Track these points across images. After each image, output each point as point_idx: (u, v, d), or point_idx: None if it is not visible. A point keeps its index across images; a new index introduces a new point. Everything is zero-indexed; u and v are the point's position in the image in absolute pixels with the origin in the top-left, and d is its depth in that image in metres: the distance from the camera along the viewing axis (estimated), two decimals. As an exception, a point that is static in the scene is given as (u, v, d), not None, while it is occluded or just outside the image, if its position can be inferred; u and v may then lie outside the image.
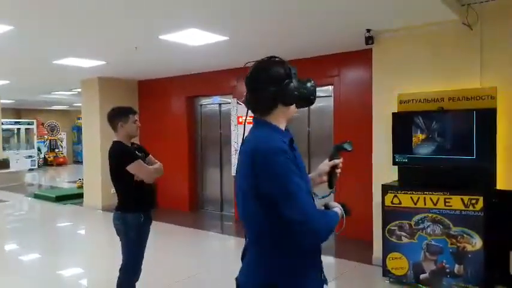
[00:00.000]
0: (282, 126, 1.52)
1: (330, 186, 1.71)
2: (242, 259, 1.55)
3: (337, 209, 1.55)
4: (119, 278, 3.08)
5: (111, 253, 5.37)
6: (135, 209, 3.04)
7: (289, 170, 1.36)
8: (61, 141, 18.39)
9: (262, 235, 1.44)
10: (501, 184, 3.68)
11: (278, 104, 1.48)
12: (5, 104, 14.27)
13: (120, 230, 3.05)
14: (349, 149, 1.72)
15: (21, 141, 16.01)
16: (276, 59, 1.53)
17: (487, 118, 3.60)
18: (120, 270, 3.08)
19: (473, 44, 3.83)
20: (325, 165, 1.70)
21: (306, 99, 1.53)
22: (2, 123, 12.94)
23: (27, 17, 3.86)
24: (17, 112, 17.44)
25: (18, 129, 16.09)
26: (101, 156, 7.65)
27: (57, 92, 10.98)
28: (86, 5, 3.51)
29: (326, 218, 1.45)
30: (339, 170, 1.69)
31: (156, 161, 3.27)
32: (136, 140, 9.05)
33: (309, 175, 1.68)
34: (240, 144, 1.59)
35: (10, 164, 12.64)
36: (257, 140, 1.45)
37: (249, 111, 1.57)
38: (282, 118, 1.51)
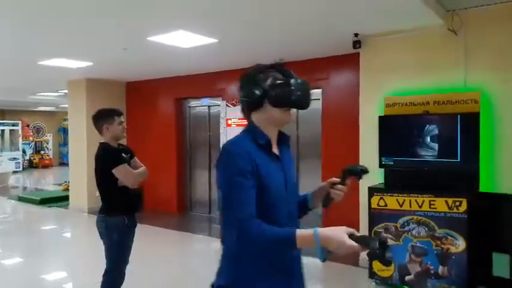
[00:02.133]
0: (266, 129, 1.54)
1: (323, 205, 1.61)
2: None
3: (305, 231, 1.32)
4: (102, 282, 3.04)
5: (96, 257, 5.29)
6: (119, 212, 3.01)
7: (233, 170, 1.39)
8: (47, 143, 18.12)
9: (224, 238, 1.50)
10: (484, 187, 3.75)
11: (260, 105, 1.52)
12: (-11, 105, 14.03)
13: (103, 233, 3.01)
14: (361, 173, 1.56)
15: (5, 142, 15.74)
16: (255, 65, 1.58)
17: (471, 122, 3.67)
18: (104, 274, 3.04)
19: (458, 48, 3.91)
20: (326, 182, 1.63)
21: (274, 101, 1.49)
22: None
23: (8, 15, 3.80)
24: (1, 113, 17.14)
25: (3, 130, 15.81)
26: (87, 158, 7.57)
27: (43, 93, 10.83)
28: (72, 5, 3.48)
29: (262, 229, 1.35)
30: (339, 192, 1.57)
31: (141, 164, 3.25)
32: (124, 142, 8.98)
33: (312, 191, 1.68)
34: None
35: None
36: (228, 140, 1.53)
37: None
38: (262, 121, 1.53)
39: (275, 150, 1.57)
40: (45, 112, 18.01)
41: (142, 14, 3.73)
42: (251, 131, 1.53)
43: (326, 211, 1.56)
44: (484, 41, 3.82)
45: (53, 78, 7.58)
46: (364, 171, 1.58)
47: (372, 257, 1.27)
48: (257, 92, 1.49)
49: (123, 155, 3.11)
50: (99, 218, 3.03)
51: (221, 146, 1.57)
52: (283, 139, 1.63)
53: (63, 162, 17.45)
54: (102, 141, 3.11)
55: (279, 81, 1.49)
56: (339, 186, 1.58)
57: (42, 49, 5.27)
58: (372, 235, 3.94)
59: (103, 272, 3.04)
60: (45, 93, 10.85)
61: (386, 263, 1.27)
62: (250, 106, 1.54)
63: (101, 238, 3.05)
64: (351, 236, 1.28)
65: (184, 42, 4.72)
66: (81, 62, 6.04)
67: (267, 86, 1.50)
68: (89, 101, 7.73)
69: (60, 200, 8.90)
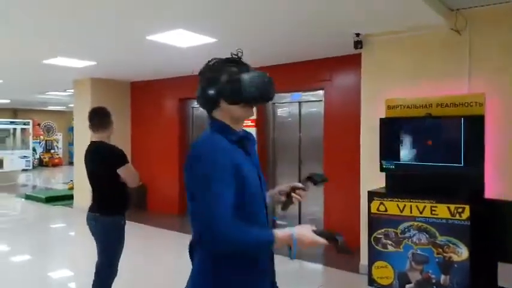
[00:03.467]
0: (232, 125, 1.48)
1: (283, 207, 1.64)
2: (190, 256, 1.52)
3: (283, 231, 1.37)
4: (94, 281, 3.03)
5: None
6: (119, 211, 3.01)
7: (209, 169, 1.33)
8: (57, 142, 18.33)
9: (200, 238, 1.39)
10: (489, 193, 3.60)
11: (217, 103, 1.46)
12: (1, 104, 14.22)
13: (100, 232, 2.98)
14: (318, 180, 1.65)
15: (16, 141, 15.94)
16: (209, 61, 1.52)
17: (475, 125, 3.53)
18: (100, 272, 3.03)
19: (462, 49, 3.77)
20: (287, 186, 1.66)
21: (229, 97, 1.43)
22: (-3, 123, 12.90)
23: (11, 15, 3.80)
24: (13, 112, 17.39)
25: (14, 129, 16.02)
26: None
27: (52, 92, 10.93)
28: (72, 4, 3.45)
29: (240, 230, 1.33)
30: (297, 197, 1.61)
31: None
32: (128, 140, 8.99)
33: (270, 191, 1.65)
34: None
35: (4, 164, 12.58)
36: (197, 139, 1.47)
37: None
38: (225, 118, 1.48)
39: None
40: (56, 111, 18.22)
41: (141, 13, 3.69)
42: (219, 129, 1.46)
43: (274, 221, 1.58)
44: (490, 41, 3.68)
45: (59, 77, 7.62)
46: (324, 180, 1.67)
47: (339, 249, 1.40)
48: (211, 91, 1.44)
49: None
50: (93, 217, 2.99)
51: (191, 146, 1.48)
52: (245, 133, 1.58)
53: (72, 161, 17.57)
54: (96, 139, 3.06)
55: (231, 78, 1.43)
56: (301, 191, 1.60)
57: (44, 48, 5.28)
58: (372, 241, 3.83)
59: (96, 269, 3.03)
60: (54, 93, 10.95)
61: (349, 252, 1.41)
62: (206, 105, 1.49)
63: (95, 237, 3.02)
64: (315, 232, 1.39)
65: (183, 42, 4.67)
66: (83, 61, 6.04)
67: (221, 83, 1.43)
68: (94, 100, 7.73)
69: (65, 198, 8.96)
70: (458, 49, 3.79)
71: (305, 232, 1.37)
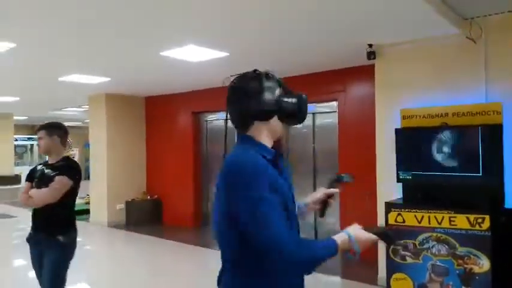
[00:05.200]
0: (266, 142, 1.45)
1: (321, 215, 1.66)
2: (218, 284, 1.47)
3: (339, 236, 1.36)
4: None
5: (116, 269, 5.33)
6: (74, 229, 2.94)
7: (261, 188, 1.26)
8: (73, 157, 18.53)
9: (235, 258, 1.37)
10: (510, 202, 3.53)
11: (253, 120, 1.43)
12: (19, 121, 14.52)
13: (55, 252, 2.81)
14: (348, 181, 1.70)
15: (34, 156, 16.23)
16: (256, 72, 1.47)
17: (493, 134, 3.48)
18: None
19: (478, 58, 3.73)
20: (320, 192, 1.65)
21: (287, 114, 1.43)
22: (16, 140, 13.16)
23: (27, 34, 3.91)
24: (32, 128, 17.73)
25: (32, 145, 16.34)
26: (107, 172, 7.69)
27: (68, 109, 11.14)
28: (85, 22, 3.54)
29: (308, 247, 1.30)
30: (332, 201, 1.65)
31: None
32: (143, 154, 9.01)
33: (303, 202, 1.64)
34: None
35: (22, 180, 12.79)
36: (232, 155, 1.41)
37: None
38: (263, 134, 1.44)
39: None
40: (72, 127, 18.46)
41: (155, 31, 3.77)
42: (253, 145, 1.41)
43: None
44: (506, 49, 3.64)
45: (74, 93, 7.78)
46: (352, 178, 1.72)
47: (388, 240, 1.48)
48: (273, 102, 1.40)
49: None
50: (47, 237, 2.83)
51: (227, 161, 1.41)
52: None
53: (89, 176, 17.78)
54: (66, 155, 3.02)
55: (292, 96, 1.44)
56: (333, 190, 1.64)
57: (59, 66, 5.41)
58: (390, 253, 3.78)
59: None
60: (70, 109, 11.15)
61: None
62: (244, 120, 1.44)
63: (45, 258, 2.84)
64: (366, 229, 1.42)
65: (194, 57, 4.73)
66: (98, 77, 6.17)
67: (279, 97, 1.42)
68: (109, 115, 7.88)
69: (81, 213, 9.03)
70: (474, 58, 3.76)
71: (359, 232, 1.38)
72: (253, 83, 1.43)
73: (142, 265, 5.40)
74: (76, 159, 18.49)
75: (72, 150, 18.61)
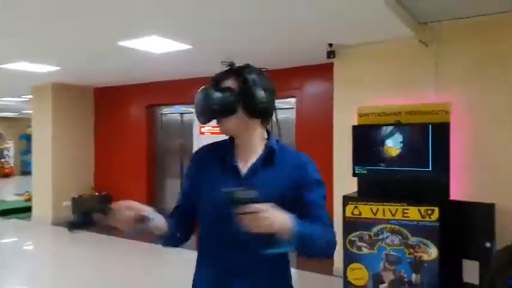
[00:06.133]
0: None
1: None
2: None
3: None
4: None
5: (60, 270, 5.06)
6: None
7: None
8: (7, 151, 17.30)
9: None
10: (454, 195, 3.84)
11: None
12: None
13: None
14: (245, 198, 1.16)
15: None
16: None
17: (442, 132, 3.75)
18: None
19: (429, 60, 4.01)
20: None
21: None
22: None
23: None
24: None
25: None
26: (52, 166, 7.27)
27: (4, 99, 10.36)
28: (38, 5, 3.32)
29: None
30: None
31: None
32: (91, 148, 8.62)
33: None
34: None
35: None
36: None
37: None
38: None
39: None
40: (6, 118, 17.21)
41: (112, 18, 3.62)
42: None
43: None
44: (456, 53, 3.93)
45: (16, 82, 7.25)
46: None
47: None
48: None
49: None
50: None
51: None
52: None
53: (25, 171, 16.69)
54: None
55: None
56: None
57: (4, 52, 5.02)
58: (347, 244, 3.95)
59: None
60: (7, 99, 10.38)
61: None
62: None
63: None
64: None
65: (156, 48, 4.62)
66: (48, 66, 5.80)
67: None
68: (55, 106, 7.45)
69: (20, 211, 8.48)
70: (426, 60, 4.03)
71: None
72: (257, 73, 1.50)
73: (89, 265, 5.16)
74: (11, 152, 17.32)
75: (7, 143, 17.38)
